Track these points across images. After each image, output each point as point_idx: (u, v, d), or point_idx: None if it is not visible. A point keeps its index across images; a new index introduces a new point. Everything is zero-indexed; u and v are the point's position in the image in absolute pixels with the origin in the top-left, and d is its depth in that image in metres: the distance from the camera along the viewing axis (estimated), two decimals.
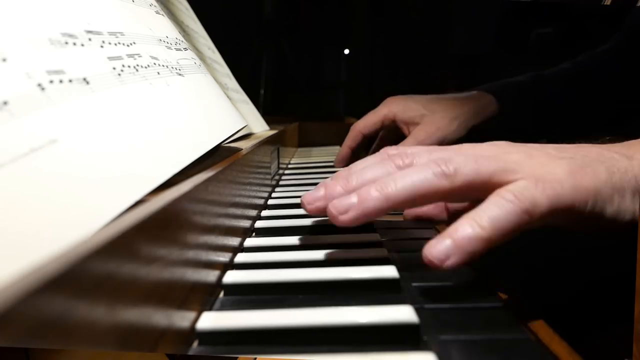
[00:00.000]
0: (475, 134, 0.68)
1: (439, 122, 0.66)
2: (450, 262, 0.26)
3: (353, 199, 0.29)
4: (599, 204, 0.29)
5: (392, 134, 0.71)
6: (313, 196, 0.32)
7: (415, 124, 0.67)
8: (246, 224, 0.38)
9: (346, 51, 1.46)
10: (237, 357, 0.22)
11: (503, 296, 0.27)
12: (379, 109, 0.70)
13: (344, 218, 0.29)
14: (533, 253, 0.56)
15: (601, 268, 0.51)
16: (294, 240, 0.35)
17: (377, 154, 0.34)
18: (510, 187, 0.28)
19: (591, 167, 0.29)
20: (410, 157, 0.32)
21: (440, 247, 0.26)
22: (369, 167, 0.32)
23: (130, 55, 0.29)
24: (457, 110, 0.67)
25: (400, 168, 0.31)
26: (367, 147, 0.73)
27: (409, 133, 0.67)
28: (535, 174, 0.28)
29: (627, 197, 0.30)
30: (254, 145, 0.45)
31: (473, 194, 0.30)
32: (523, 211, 0.27)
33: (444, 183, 0.29)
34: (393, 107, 0.69)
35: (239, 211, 0.36)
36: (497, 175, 0.29)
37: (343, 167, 0.73)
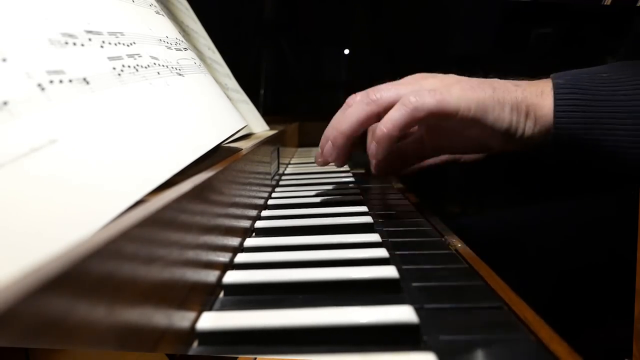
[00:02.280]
0: None
1: None
2: (377, 156, 0.41)
3: (328, 144, 0.44)
4: (480, 110, 0.40)
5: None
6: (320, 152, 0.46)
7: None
8: (246, 224, 0.38)
9: (346, 51, 1.46)
10: (237, 357, 0.22)
11: (502, 294, 0.27)
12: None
13: (331, 160, 0.44)
14: (524, 243, 0.56)
15: (588, 256, 0.53)
16: (294, 240, 0.35)
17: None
18: (409, 94, 0.40)
19: (481, 87, 0.41)
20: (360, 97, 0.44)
21: (371, 149, 0.41)
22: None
23: (130, 55, 0.29)
24: None
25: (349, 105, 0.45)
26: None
27: None
28: (435, 87, 0.40)
29: (506, 109, 0.40)
30: (254, 145, 0.45)
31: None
32: (413, 109, 0.39)
33: (372, 108, 0.42)
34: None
35: (239, 211, 0.36)
36: (413, 94, 0.40)
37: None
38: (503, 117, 0.40)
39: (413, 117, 0.39)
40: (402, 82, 0.44)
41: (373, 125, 0.44)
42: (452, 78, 0.43)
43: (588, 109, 0.39)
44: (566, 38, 1.21)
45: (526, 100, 0.40)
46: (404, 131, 0.40)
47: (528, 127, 0.40)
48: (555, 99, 0.40)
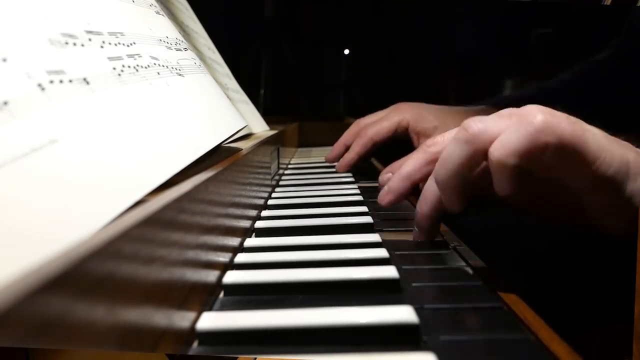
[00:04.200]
0: None
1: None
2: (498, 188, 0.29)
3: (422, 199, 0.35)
4: (622, 173, 0.29)
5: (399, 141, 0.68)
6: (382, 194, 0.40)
7: (427, 135, 0.64)
8: (246, 224, 0.38)
9: (346, 51, 1.46)
10: (237, 357, 0.22)
11: (502, 294, 0.27)
12: (390, 115, 0.67)
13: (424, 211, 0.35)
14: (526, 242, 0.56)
15: (592, 258, 0.52)
16: (294, 240, 0.35)
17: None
18: (534, 111, 0.28)
19: (622, 144, 0.30)
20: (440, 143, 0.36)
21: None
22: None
23: (131, 56, 0.29)
24: None
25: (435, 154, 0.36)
26: (375, 153, 0.69)
27: (419, 144, 0.64)
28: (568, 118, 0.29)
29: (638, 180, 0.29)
30: (254, 145, 0.45)
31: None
32: (538, 130, 0.27)
33: (469, 146, 0.30)
34: (407, 115, 0.66)
35: (239, 211, 0.36)
36: (538, 113, 0.29)
37: (335, 161, 0.70)
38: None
39: (539, 144, 0.27)
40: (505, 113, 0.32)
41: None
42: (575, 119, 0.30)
43: None
44: (566, 38, 1.21)
45: None
46: (524, 159, 0.28)
47: None
48: None
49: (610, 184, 0.29)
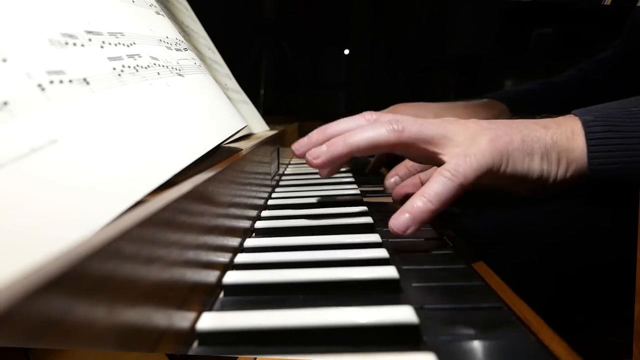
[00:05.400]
0: None
1: None
2: (410, 231, 0.35)
3: (324, 147, 0.39)
4: (510, 163, 0.36)
5: None
6: (299, 144, 0.42)
7: None
8: (246, 224, 0.38)
9: (346, 51, 1.46)
10: (237, 357, 0.22)
11: (502, 294, 0.27)
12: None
13: (316, 162, 0.39)
14: (526, 245, 0.56)
15: (590, 257, 0.52)
16: (294, 240, 0.35)
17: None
18: (446, 166, 0.36)
19: (509, 136, 0.37)
20: (376, 116, 0.41)
21: (402, 220, 0.35)
22: (344, 121, 0.42)
23: (131, 56, 0.29)
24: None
25: (368, 121, 0.41)
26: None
27: None
28: (465, 151, 0.36)
29: (535, 158, 0.37)
30: (254, 145, 0.45)
31: (415, 151, 0.39)
32: (458, 185, 0.35)
33: (392, 136, 0.38)
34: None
35: (239, 211, 0.36)
36: (437, 138, 0.38)
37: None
38: (533, 168, 0.37)
39: (461, 189, 0.35)
40: (429, 120, 0.39)
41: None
42: (474, 125, 0.39)
43: (623, 148, 0.37)
44: (566, 38, 1.21)
45: (556, 146, 0.37)
46: (447, 206, 0.36)
47: (560, 174, 0.38)
48: (588, 140, 0.37)
49: (503, 175, 0.37)
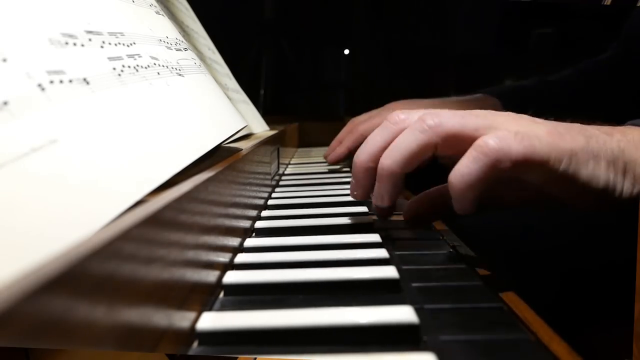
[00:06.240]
0: None
1: None
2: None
3: (376, 191, 0.35)
4: (573, 164, 0.30)
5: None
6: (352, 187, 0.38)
7: None
8: (246, 224, 0.38)
9: (346, 51, 1.46)
10: (237, 357, 0.22)
11: (502, 294, 0.27)
12: (383, 113, 0.69)
13: (384, 204, 0.35)
14: (527, 243, 0.56)
15: (592, 258, 0.52)
16: (294, 240, 0.35)
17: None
18: (486, 137, 0.30)
19: (570, 134, 0.31)
20: (404, 116, 0.35)
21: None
22: (372, 136, 0.36)
23: (131, 56, 0.29)
24: None
25: (395, 124, 0.35)
26: None
27: None
28: (516, 129, 0.30)
29: (602, 164, 0.31)
30: (254, 145, 0.45)
31: (461, 146, 0.31)
32: (495, 160, 0.29)
33: (429, 136, 0.32)
34: None
35: (239, 211, 0.36)
36: (482, 130, 0.31)
37: (334, 164, 0.72)
38: (599, 174, 0.31)
39: (495, 169, 0.29)
40: (469, 112, 0.34)
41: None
42: (527, 118, 0.33)
43: None
44: (566, 38, 1.21)
45: (624, 155, 0.32)
46: (480, 190, 0.30)
47: (626, 188, 0.32)
48: None
49: (563, 178, 0.30)
